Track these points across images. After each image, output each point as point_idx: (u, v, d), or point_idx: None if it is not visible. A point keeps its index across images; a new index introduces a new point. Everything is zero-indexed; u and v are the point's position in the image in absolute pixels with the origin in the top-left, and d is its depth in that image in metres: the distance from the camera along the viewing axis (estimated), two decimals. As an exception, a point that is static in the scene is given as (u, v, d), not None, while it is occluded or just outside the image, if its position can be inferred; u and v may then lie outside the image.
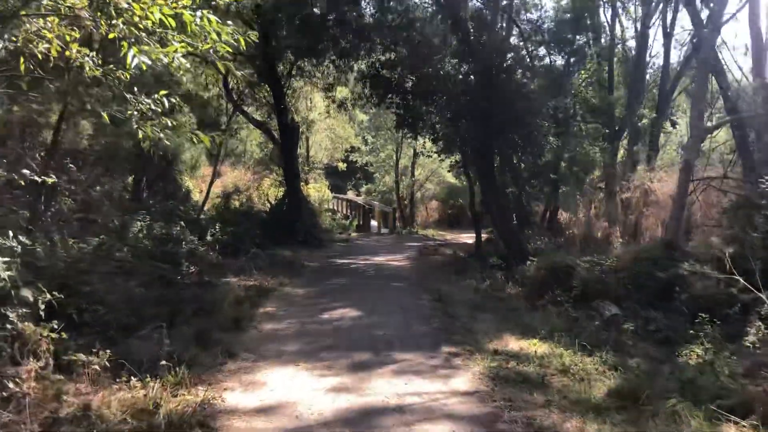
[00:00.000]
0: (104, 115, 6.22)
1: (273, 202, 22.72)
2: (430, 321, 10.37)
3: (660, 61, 27.51)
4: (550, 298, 12.36)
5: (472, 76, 16.37)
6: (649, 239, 22.73)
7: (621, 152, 26.52)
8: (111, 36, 5.44)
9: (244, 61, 20.95)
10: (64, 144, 20.77)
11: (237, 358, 7.83)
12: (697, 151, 12.84)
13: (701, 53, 12.03)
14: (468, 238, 30.21)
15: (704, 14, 18.42)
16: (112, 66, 5.85)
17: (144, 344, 7.62)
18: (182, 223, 15.77)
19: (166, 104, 6.00)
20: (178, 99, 6.39)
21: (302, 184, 28.51)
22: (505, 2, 20.02)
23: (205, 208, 22.67)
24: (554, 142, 17.49)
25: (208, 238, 17.21)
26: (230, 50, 6.42)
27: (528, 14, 25.76)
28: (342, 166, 40.40)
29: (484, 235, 31.89)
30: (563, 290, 12.60)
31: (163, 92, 6.09)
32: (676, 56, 32.25)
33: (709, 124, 28.79)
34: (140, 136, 6.45)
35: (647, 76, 28.52)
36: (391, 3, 17.49)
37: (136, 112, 5.98)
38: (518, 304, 12.33)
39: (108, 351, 6.68)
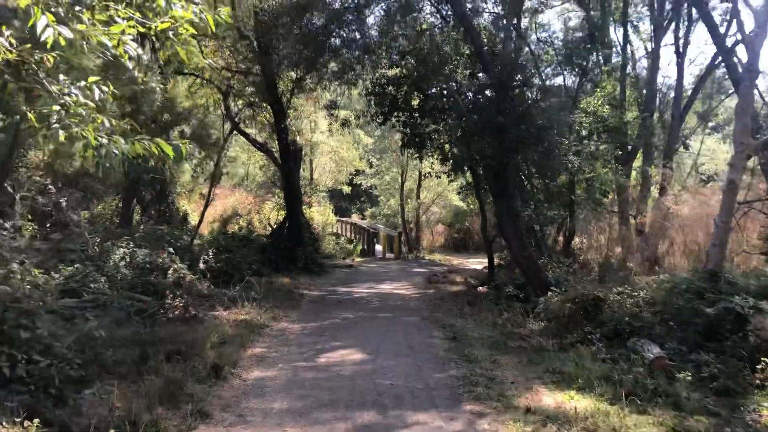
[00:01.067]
0: (31, 115, 4.60)
1: (273, 226, 21.12)
2: (446, 366, 8.70)
3: (671, 81, 26.27)
4: (580, 336, 10.68)
5: (487, 91, 14.86)
6: (670, 266, 21.11)
7: (633, 174, 25.07)
8: (22, 3, 3.87)
9: (243, 80, 19.55)
10: (55, 163, 19.41)
11: (211, 420, 6.20)
12: (743, 168, 11.22)
13: (747, 61, 10.49)
14: (476, 263, 28.50)
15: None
16: (29, 45, 4.27)
17: (92, 405, 5.98)
18: (171, 249, 14.22)
19: (96, 95, 4.38)
20: (111, 87, 4.78)
21: (305, 207, 26.99)
22: (514, 21, 18.70)
23: (204, 232, 21.15)
24: (575, 161, 15.89)
25: (201, 265, 15.64)
26: (195, 32, 4.87)
27: (537, 34, 24.51)
28: (346, 189, 38.97)
29: (484, 261, 30.38)
30: (593, 326, 10.97)
31: (92, 79, 4.49)
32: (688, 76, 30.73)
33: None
34: (79, 146, 4.85)
35: (660, 96, 27.22)
36: (398, 15, 16.11)
37: (58, 107, 4.32)
38: (544, 342, 10.63)
39: (36, 420, 5.06)
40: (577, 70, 21.68)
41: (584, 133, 18.19)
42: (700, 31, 39.54)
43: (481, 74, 14.02)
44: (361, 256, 27.52)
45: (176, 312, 11.43)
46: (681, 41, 25.18)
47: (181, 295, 11.78)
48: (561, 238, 21.72)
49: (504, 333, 11.27)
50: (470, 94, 14.24)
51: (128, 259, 12.66)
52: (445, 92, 14.76)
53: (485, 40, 14.09)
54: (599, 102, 20.09)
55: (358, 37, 15.06)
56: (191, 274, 14.09)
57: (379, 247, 28.55)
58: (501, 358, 9.43)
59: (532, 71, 15.00)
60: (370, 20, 15.75)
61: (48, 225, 13.60)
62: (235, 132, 26.31)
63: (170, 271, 12.86)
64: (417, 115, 17.41)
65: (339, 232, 33.88)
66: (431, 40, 14.19)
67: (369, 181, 37.84)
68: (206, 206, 17.83)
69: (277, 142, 20.02)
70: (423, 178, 18.42)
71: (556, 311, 12.02)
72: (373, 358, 9.05)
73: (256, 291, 14.46)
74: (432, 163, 18.88)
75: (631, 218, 22.74)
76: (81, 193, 19.85)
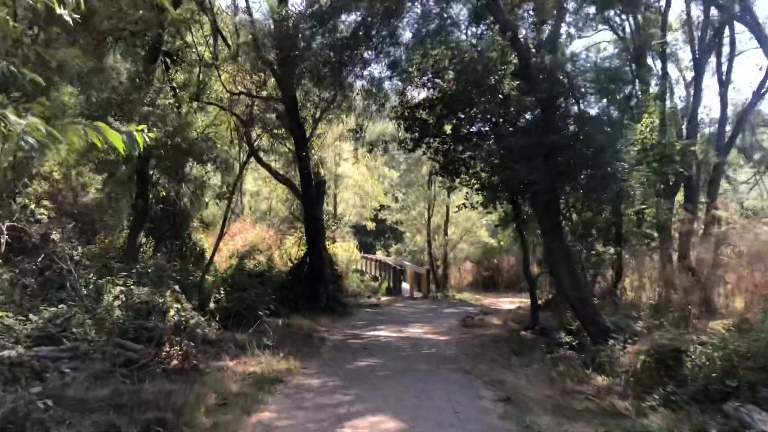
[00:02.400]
0: None
1: (294, 262, 19.20)
2: (506, 443, 6.57)
3: (713, 113, 24.24)
4: (662, 397, 8.49)
5: (528, 113, 12.96)
6: (727, 309, 18.75)
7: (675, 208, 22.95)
8: None
9: (263, 106, 17.90)
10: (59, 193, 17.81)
11: None
12: None
13: None
14: (508, 302, 26.27)
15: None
16: None
17: None
18: (177, 287, 12.29)
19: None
20: None
21: (328, 242, 25.08)
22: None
23: (222, 269, 19.32)
24: (638, 188, 13.78)
25: (211, 305, 13.70)
26: None
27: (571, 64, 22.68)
28: (371, 225, 37.07)
29: (522, 301, 28.03)
30: (675, 384, 8.78)
31: None
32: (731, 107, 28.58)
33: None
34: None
35: (702, 128, 25.15)
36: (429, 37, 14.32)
37: None
38: (617, 404, 8.44)
39: None
40: (617, 98, 19.78)
41: (633, 162, 16.13)
42: (744, 59, 37.60)
43: (528, 90, 12.08)
44: (386, 294, 25.42)
45: (173, 363, 9.47)
46: (725, 69, 23.23)
47: (181, 342, 9.81)
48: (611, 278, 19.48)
49: (565, 391, 9.09)
50: (513, 111, 12.26)
51: (124, 299, 10.76)
52: (487, 111, 12.81)
53: (533, 49, 12.23)
54: (647, 128, 18.06)
55: (390, 49, 13.23)
56: (199, 315, 12.17)
57: (405, 285, 26.44)
58: (571, 428, 7.28)
59: (581, 91, 13.01)
60: (403, 34, 13.90)
61: (38, 260, 11.79)
62: (256, 164, 24.89)
63: (171, 313, 10.91)
64: (450, 141, 15.56)
65: (363, 269, 31.87)
66: (474, 46, 12.34)
67: (394, 216, 35.90)
68: (219, 239, 15.97)
69: (298, 172, 18.22)
70: (457, 210, 16.54)
71: (625, 365, 9.83)
72: (411, 429, 6.94)
73: (268, 336, 12.47)
74: (466, 193, 16.87)
75: (675, 255, 20.44)
76: (84, 225, 18.25)
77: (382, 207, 36.85)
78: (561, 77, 12.30)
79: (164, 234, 19.90)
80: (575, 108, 12.56)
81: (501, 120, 12.42)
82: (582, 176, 11.81)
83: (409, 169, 33.54)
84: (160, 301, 10.81)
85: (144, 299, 10.67)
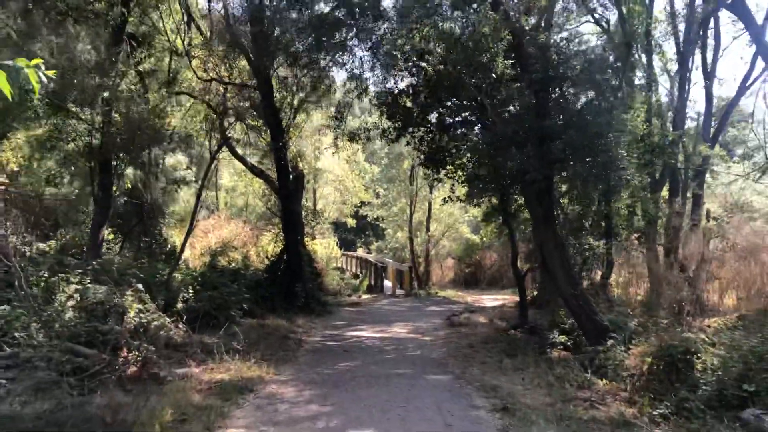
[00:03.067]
0: None
1: (271, 259, 18.08)
2: (509, 463, 5.61)
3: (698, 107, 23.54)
4: (674, 404, 7.61)
5: (530, 93, 12.01)
6: (716, 305, 18.09)
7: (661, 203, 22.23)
8: None
9: (237, 93, 16.78)
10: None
11: None
12: None
13: None
14: (491, 300, 25.37)
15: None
16: None
17: None
18: (140, 286, 11.19)
19: None
20: None
21: (307, 239, 24.00)
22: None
23: (194, 267, 18.17)
24: (637, 176, 12.90)
25: (179, 305, 12.61)
26: None
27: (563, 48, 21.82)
28: (351, 222, 36.06)
29: (506, 298, 27.16)
30: (686, 389, 7.92)
31: None
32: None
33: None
34: None
35: (687, 122, 24.47)
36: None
37: None
38: (625, 412, 7.54)
39: None
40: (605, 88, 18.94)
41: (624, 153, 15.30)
42: (729, 54, 36.99)
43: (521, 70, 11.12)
44: (368, 292, 24.42)
45: (131, 370, 8.39)
46: (710, 62, 22.56)
47: (140, 347, 8.72)
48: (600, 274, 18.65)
49: (566, 398, 8.16)
50: (506, 94, 11.29)
51: (78, 299, 9.63)
52: (477, 94, 11.82)
53: (527, 28, 11.28)
54: (637, 118, 17.24)
55: (372, 26, 12.19)
56: (165, 316, 11.08)
57: (387, 283, 25.45)
58: (578, 442, 6.35)
59: (572, 76, 12.08)
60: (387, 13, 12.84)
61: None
62: (232, 158, 23.68)
63: (131, 315, 9.80)
64: (435, 130, 14.61)
65: (344, 266, 30.83)
66: (464, 21, 11.34)
67: (375, 212, 34.88)
68: (189, 233, 14.85)
69: (274, 164, 17.11)
70: (443, 203, 15.63)
71: (630, 367, 8.94)
72: (398, 448, 5.96)
73: (238, 339, 11.42)
74: (452, 185, 15.91)
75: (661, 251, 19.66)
76: (46, 219, 17.01)
77: (363, 203, 35.83)
78: (554, 59, 11.36)
79: (132, 229, 18.69)
80: (571, 91, 11.62)
81: (492, 103, 11.44)
82: (578, 164, 10.87)
83: (391, 164, 32.53)
84: (119, 301, 9.69)
85: (100, 299, 9.55)
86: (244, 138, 19.47)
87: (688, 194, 21.64)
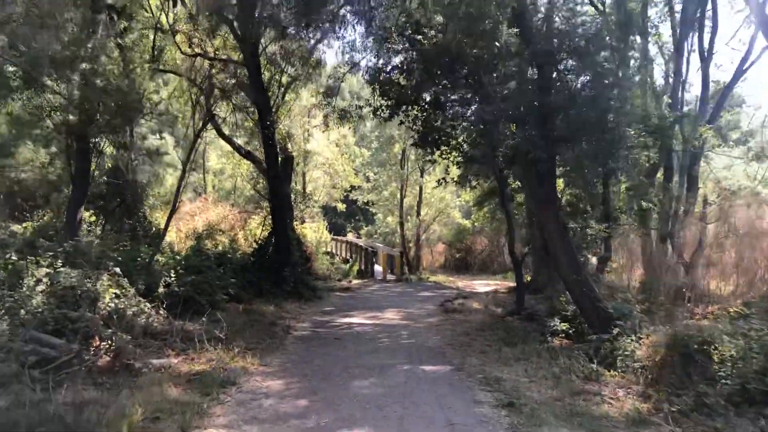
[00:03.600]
0: None
1: (259, 243, 17.29)
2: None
3: (695, 90, 22.79)
4: (692, 399, 6.97)
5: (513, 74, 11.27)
6: (713, 293, 17.52)
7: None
8: None
9: (222, 69, 15.91)
10: None
11: None
12: None
13: None
14: (482, 285, 24.79)
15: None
16: None
17: None
18: (117, 270, 10.42)
19: None
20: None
21: (296, 223, 23.22)
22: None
23: (178, 250, 17.37)
24: (648, 155, 12.18)
25: (160, 290, 11.83)
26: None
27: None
28: (341, 206, 35.28)
29: (497, 283, 26.55)
30: (704, 383, 7.28)
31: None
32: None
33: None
34: None
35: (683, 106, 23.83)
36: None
37: None
38: (638, 408, 6.89)
39: None
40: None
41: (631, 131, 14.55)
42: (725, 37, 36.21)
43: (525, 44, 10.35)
44: (358, 277, 23.72)
45: (102, 361, 7.63)
46: (706, 45, 21.83)
47: (113, 336, 7.95)
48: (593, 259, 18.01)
49: (574, 391, 7.50)
50: (510, 66, 10.55)
51: (48, 284, 8.84)
52: (477, 68, 11.06)
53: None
54: (636, 97, 16.54)
55: None
56: (145, 302, 10.34)
57: (378, 268, 24.75)
58: (593, 442, 5.69)
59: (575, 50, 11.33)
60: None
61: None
62: (220, 140, 22.79)
63: (106, 300, 9.03)
64: (430, 109, 13.85)
65: (334, 251, 30.09)
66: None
67: (366, 196, 34.10)
68: (172, 213, 14.06)
69: (262, 145, 16.27)
70: (437, 185, 14.92)
71: (642, 358, 8.29)
72: (397, 451, 5.26)
73: (221, 327, 10.70)
74: (446, 168, 15.16)
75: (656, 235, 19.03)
76: (23, 200, 16.14)
77: (353, 187, 35.05)
78: (557, 30, 10.62)
79: (114, 211, 17.82)
80: (573, 65, 10.88)
81: (492, 79, 10.69)
82: (584, 142, 10.16)
83: (382, 148, 31.75)
84: (93, 286, 8.91)
85: (72, 284, 8.76)
86: (231, 119, 18.63)
87: (684, 178, 21.00)
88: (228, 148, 22.61)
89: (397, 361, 8.91)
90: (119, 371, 7.41)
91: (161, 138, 29.13)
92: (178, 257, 13.83)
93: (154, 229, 20.28)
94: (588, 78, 10.40)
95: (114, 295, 9.62)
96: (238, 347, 9.06)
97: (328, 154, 29.18)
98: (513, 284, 24.12)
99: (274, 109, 16.32)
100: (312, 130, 26.33)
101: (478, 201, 25.04)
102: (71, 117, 12.95)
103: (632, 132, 10.67)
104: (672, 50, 22.78)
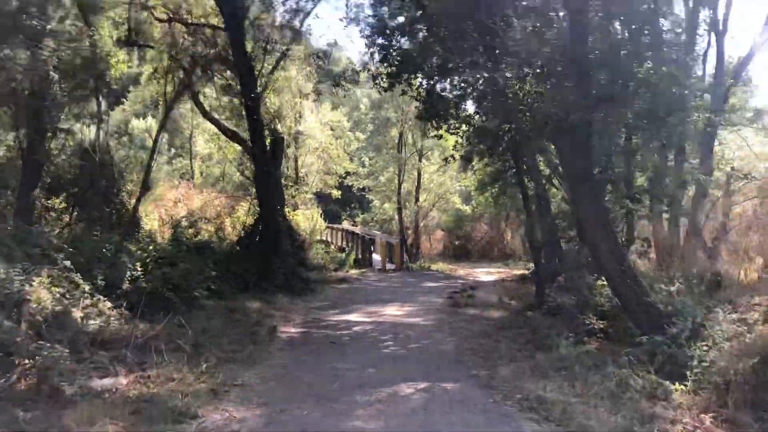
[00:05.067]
0: None
1: (245, 231, 15.29)
2: None
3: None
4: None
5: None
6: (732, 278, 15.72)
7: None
8: None
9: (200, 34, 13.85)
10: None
11: None
12: None
13: None
14: (485, 273, 22.92)
15: None
16: None
17: None
18: (67, 263, 8.44)
19: None
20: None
21: (289, 210, 21.22)
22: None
23: (161, 239, 15.39)
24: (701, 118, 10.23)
25: (125, 286, 9.86)
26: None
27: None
28: (336, 193, 33.28)
29: (500, 271, 24.67)
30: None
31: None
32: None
33: None
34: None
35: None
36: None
37: None
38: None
39: None
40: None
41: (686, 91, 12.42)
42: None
43: None
44: (355, 266, 21.76)
45: (24, 385, 5.66)
46: (721, 17, 19.85)
47: (40, 350, 5.96)
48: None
49: (642, 415, 5.60)
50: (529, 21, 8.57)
51: (-31, 282, 6.84)
52: (487, 28, 9.12)
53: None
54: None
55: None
56: (105, 300, 8.41)
57: (376, 257, 22.81)
58: None
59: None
60: None
61: None
62: (204, 121, 20.78)
63: (44, 302, 7.04)
64: (436, 75, 11.89)
65: (329, 239, 28.11)
66: None
67: (362, 182, 32.10)
68: (143, 194, 12.11)
69: (246, 120, 14.22)
70: (444, 163, 13.12)
71: (723, 371, 6.37)
72: None
73: (204, 325, 8.81)
74: (456, 143, 13.18)
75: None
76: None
77: (348, 173, 33.04)
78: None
79: (86, 197, 15.74)
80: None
81: (515, 32, 8.71)
82: (635, 103, 8.20)
83: (378, 131, 29.72)
84: (22, 285, 6.91)
85: (-3, 281, 6.77)
86: (213, 94, 16.64)
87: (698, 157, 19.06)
88: (214, 129, 20.57)
89: (409, 374, 6.95)
90: (43, 399, 5.45)
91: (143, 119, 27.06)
92: (150, 247, 11.83)
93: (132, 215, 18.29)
94: (634, 27, 8.38)
95: (59, 295, 7.67)
96: (211, 358, 7.13)
97: (322, 137, 27.15)
98: (519, 272, 22.29)
99: (262, 86, 14.35)
100: (303, 110, 24.33)
101: (480, 185, 23.05)
102: (22, 86, 10.90)
103: (687, 92, 8.69)
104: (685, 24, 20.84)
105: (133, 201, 18.72)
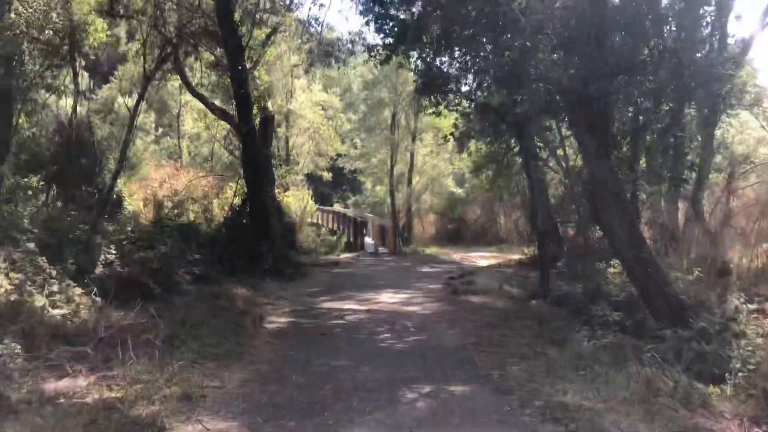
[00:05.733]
0: None
1: (232, 212, 14.32)
2: None
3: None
4: None
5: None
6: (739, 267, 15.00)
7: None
8: None
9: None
10: None
11: None
12: None
13: None
14: (479, 257, 22.08)
15: None
16: None
17: None
18: (30, 246, 7.53)
19: None
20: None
21: (279, 190, 20.25)
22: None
23: (145, 221, 14.44)
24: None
25: (98, 270, 8.96)
26: None
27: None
28: (327, 175, 32.29)
29: (495, 256, 23.87)
30: None
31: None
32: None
33: None
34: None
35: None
36: None
37: None
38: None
39: None
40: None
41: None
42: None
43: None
44: (347, 250, 20.90)
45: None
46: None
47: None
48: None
49: (681, 427, 4.79)
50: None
51: None
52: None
53: None
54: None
55: None
56: (75, 287, 7.54)
57: (369, 240, 21.96)
58: None
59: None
60: None
61: None
62: (191, 98, 19.72)
63: (-5, 291, 6.12)
64: (437, 47, 10.93)
65: (320, 221, 27.20)
66: None
67: (353, 164, 31.13)
68: (117, 173, 11.12)
69: (233, 96, 13.19)
70: (444, 140, 12.25)
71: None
72: None
73: (184, 314, 7.95)
74: (456, 120, 12.25)
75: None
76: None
77: (340, 155, 32.02)
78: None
79: (60, 174, 14.70)
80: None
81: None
82: (661, 70, 7.30)
83: (370, 112, 28.65)
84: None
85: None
86: (203, 78, 15.61)
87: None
88: (202, 108, 19.49)
89: (410, 374, 6.09)
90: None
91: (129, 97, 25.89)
92: (128, 228, 10.89)
93: (115, 196, 17.27)
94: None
95: (18, 281, 6.76)
96: (187, 353, 6.24)
97: (314, 117, 26.12)
98: (515, 257, 21.48)
99: (251, 63, 13.33)
100: (295, 89, 23.32)
101: (476, 167, 22.18)
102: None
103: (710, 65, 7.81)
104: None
105: (118, 181, 17.77)
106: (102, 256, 9.27)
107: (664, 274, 7.67)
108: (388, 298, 11.25)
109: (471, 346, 7.33)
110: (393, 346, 7.44)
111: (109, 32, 14.11)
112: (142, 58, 12.22)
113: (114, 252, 9.22)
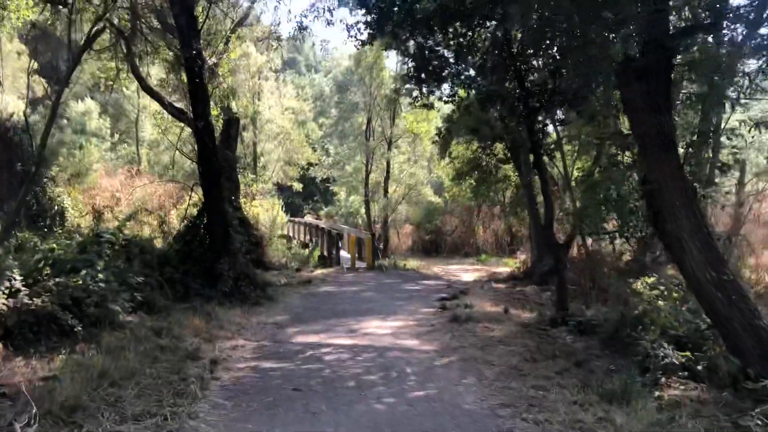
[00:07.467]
0: None
1: (184, 226, 11.92)
2: None
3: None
4: None
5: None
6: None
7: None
8: None
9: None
10: None
11: None
12: None
13: None
14: (460, 271, 20.13)
15: None
16: None
17: None
18: None
19: None
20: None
21: (245, 201, 17.96)
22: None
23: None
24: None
25: (1, 303, 6.63)
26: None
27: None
28: (298, 186, 29.99)
29: (477, 268, 21.93)
30: None
31: None
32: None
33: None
34: None
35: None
36: None
37: None
38: None
39: None
40: None
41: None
42: None
43: None
44: (320, 265, 18.60)
45: None
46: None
47: None
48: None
49: None
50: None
51: None
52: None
53: None
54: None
55: None
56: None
57: (345, 254, 19.72)
58: None
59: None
60: None
61: None
62: (150, 101, 17.32)
63: None
64: (433, 24, 8.84)
65: (290, 233, 24.85)
66: None
67: (326, 172, 28.89)
68: (33, 178, 8.70)
69: (187, 88, 10.85)
70: (439, 136, 10.24)
71: None
72: None
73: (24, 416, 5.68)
74: (451, 112, 10.17)
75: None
76: None
77: (311, 164, 29.76)
78: None
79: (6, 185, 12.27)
80: None
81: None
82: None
83: (343, 117, 26.53)
84: None
85: None
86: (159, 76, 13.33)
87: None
88: (158, 107, 17.10)
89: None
90: None
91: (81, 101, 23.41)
92: (44, 246, 8.48)
93: (56, 207, 14.78)
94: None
95: None
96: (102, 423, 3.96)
97: (283, 122, 23.86)
98: (501, 270, 19.50)
99: (210, 53, 11.10)
100: (263, 90, 21.01)
101: (458, 174, 20.13)
102: None
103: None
104: None
105: (58, 189, 15.27)
106: (6, 283, 6.88)
107: (750, 302, 5.66)
108: (375, 327, 9.04)
109: (502, 409, 5.16)
110: (393, 410, 5.21)
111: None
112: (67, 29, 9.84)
113: (19, 278, 6.83)
